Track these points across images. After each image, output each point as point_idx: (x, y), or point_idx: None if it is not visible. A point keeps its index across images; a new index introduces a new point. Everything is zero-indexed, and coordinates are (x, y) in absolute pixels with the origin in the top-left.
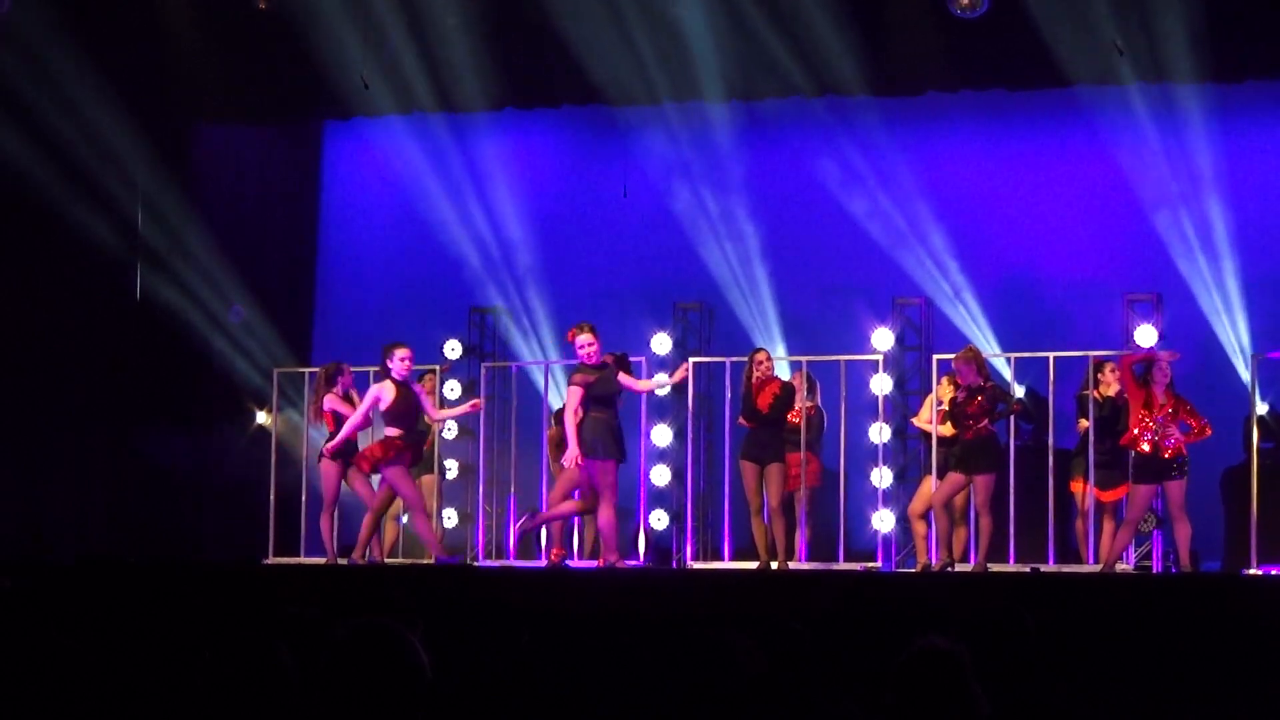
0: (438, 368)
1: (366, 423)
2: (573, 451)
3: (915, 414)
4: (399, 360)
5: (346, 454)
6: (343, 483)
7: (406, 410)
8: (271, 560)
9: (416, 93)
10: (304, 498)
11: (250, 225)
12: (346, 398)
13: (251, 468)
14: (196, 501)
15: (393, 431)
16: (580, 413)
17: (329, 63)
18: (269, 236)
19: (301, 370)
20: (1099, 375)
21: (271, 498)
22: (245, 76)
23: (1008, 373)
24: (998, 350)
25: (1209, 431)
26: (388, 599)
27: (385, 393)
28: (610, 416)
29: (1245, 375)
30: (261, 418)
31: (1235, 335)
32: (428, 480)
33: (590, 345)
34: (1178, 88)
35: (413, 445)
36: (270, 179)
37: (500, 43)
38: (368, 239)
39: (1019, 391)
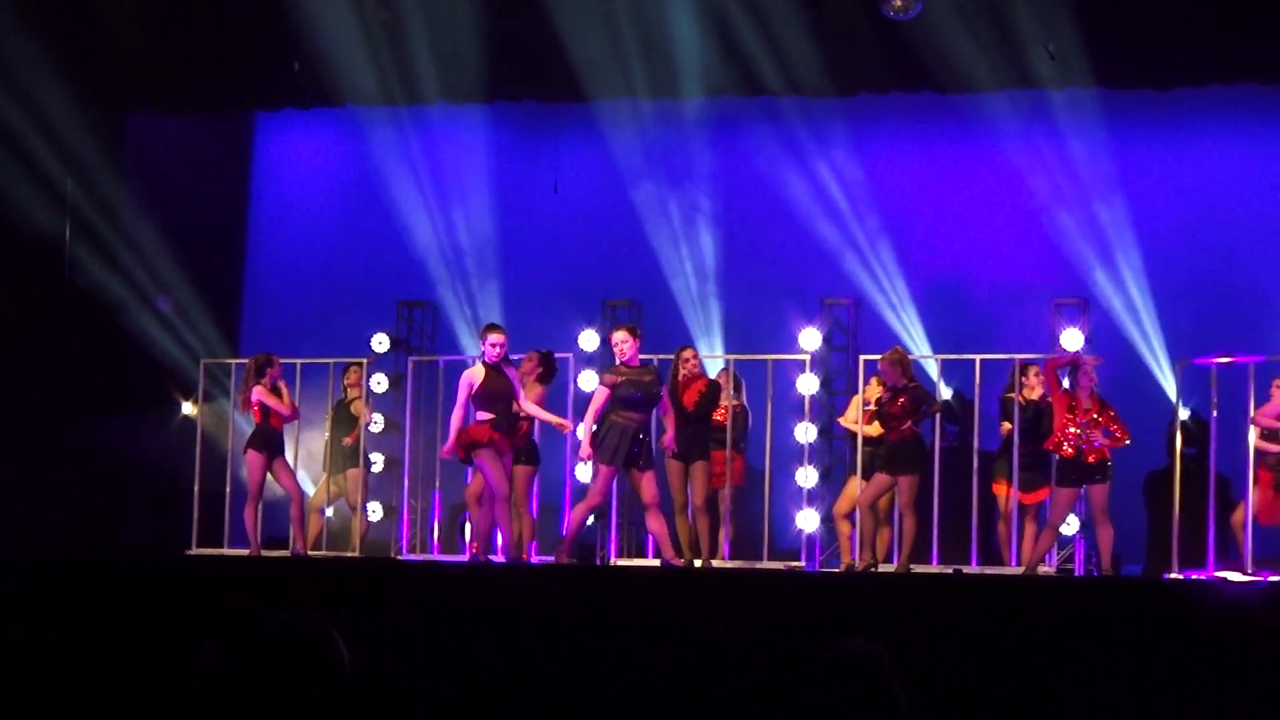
0: (364, 361)
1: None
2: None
3: (842, 414)
4: (489, 344)
5: (272, 446)
6: (268, 474)
7: (496, 394)
8: (195, 551)
9: (347, 86)
10: (228, 489)
11: (181, 215)
12: (275, 389)
13: (177, 458)
14: (121, 490)
15: (483, 416)
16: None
17: (260, 53)
18: (199, 226)
19: (229, 361)
20: (1023, 378)
21: (196, 489)
22: (178, 65)
23: (935, 374)
24: (925, 352)
25: (1128, 440)
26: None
27: (475, 377)
28: (629, 420)
29: (1169, 380)
30: (187, 408)
31: (1160, 340)
32: (353, 474)
33: (625, 343)
34: (1107, 94)
35: (505, 431)
36: (201, 169)
37: (432, 37)
38: (298, 231)
39: (946, 394)
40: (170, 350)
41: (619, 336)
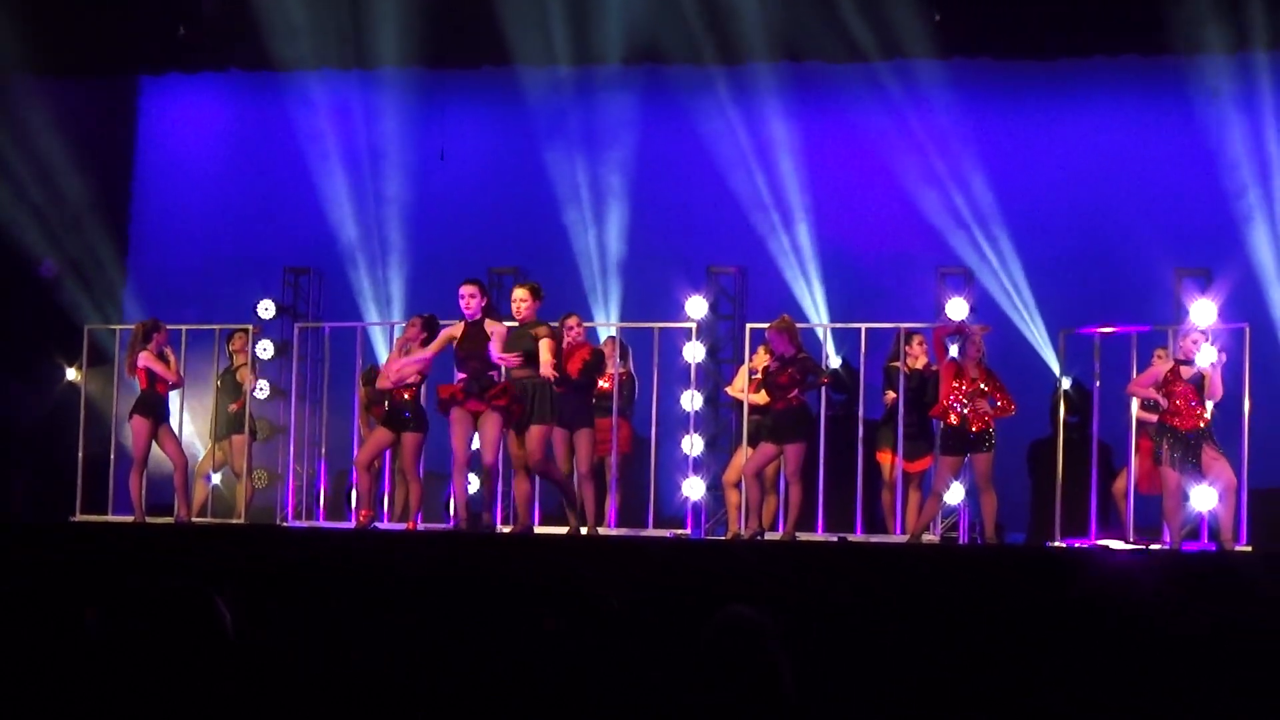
0: (249, 327)
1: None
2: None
3: (729, 382)
4: (460, 296)
5: (157, 413)
6: (152, 441)
7: (467, 353)
8: (79, 518)
9: (232, 50)
10: (113, 455)
11: (64, 179)
12: (161, 355)
13: (61, 424)
14: (2, 457)
15: (458, 375)
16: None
17: (143, 16)
18: (83, 191)
19: (113, 327)
20: (907, 347)
21: (80, 455)
22: (60, 29)
23: (830, 344)
24: (815, 321)
25: (1013, 410)
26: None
27: (454, 333)
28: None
29: (1051, 350)
30: (71, 374)
31: (1041, 311)
32: (238, 440)
33: (523, 301)
34: (991, 64)
35: (477, 393)
36: (85, 134)
37: (310, 4)
38: (183, 196)
39: (835, 363)
40: (54, 315)
41: (518, 294)
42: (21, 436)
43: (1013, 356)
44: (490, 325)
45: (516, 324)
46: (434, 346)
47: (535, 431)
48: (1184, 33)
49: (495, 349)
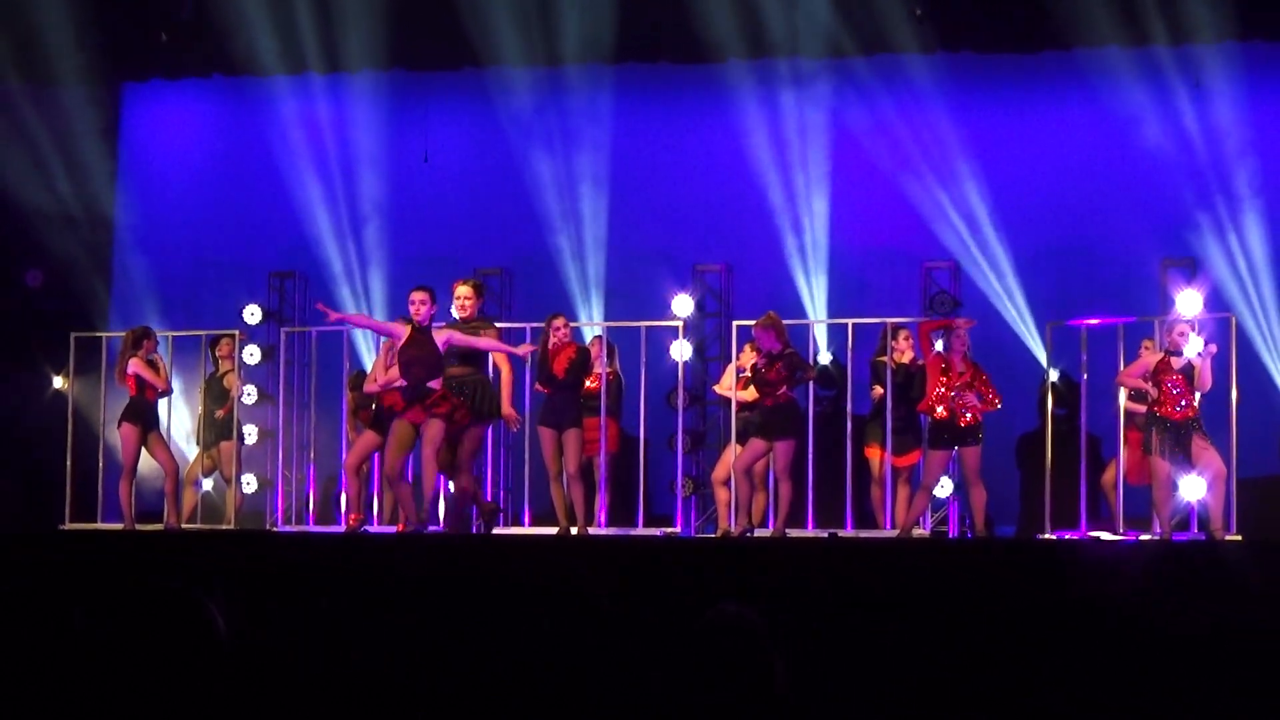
0: (235, 333)
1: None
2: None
3: (716, 380)
4: (411, 302)
5: (146, 420)
6: (142, 449)
7: (409, 359)
8: (68, 526)
9: (216, 56)
10: (101, 463)
11: (49, 186)
12: (151, 363)
13: (48, 433)
14: None
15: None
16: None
17: (127, 23)
18: (68, 198)
19: (99, 335)
20: (893, 342)
21: (68, 463)
22: (44, 36)
23: (822, 339)
24: (802, 317)
25: (999, 403)
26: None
27: (398, 334)
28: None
29: (1038, 343)
30: (58, 382)
31: (1029, 303)
32: (226, 447)
33: (466, 299)
34: (974, 58)
35: (418, 400)
36: (69, 140)
37: (292, 8)
38: (167, 203)
39: (826, 358)
40: (40, 323)
41: (461, 291)
42: (9, 445)
43: (1000, 349)
44: (439, 333)
45: (459, 324)
46: (381, 322)
47: (475, 433)
48: (1167, 23)
49: (475, 342)
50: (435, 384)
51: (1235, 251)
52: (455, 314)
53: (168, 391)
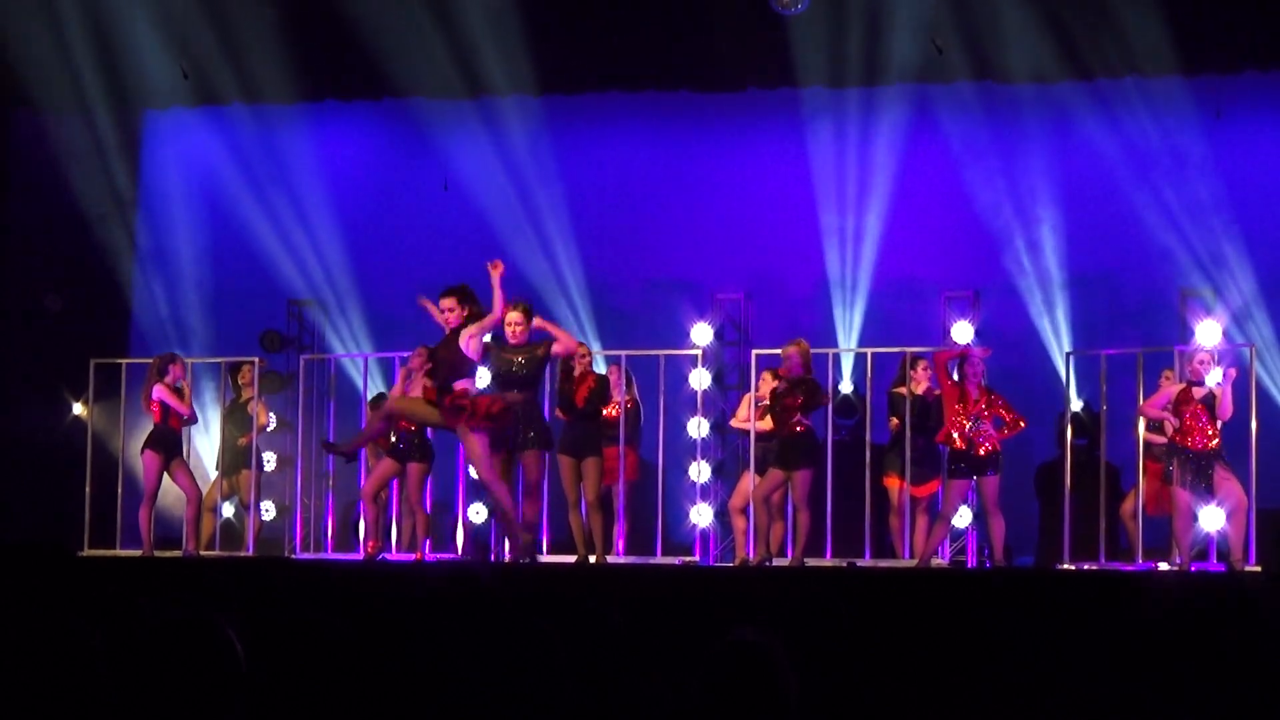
0: (256, 360)
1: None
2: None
3: (735, 408)
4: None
5: (169, 448)
6: (164, 474)
7: (436, 361)
8: (87, 552)
9: (233, 86)
10: (120, 489)
11: (70, 213)
12: (176, 389)
13: (68, 458)
14: (10, 490)
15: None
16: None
17: (148, 53)
18: (89, 225)
19: (119, 361)
20: (912, 371)
21: (87, 489)
22: (65, 64)
23: (847, 369)
24: (823, 346)
25: (1023, 424)
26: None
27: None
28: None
29: (1060, 372)
30: (77, 409)
31: (1051, 332)
32: (245, 474)
33: (516, 324)
34: (991, 87)
35: (460, 406)
36: (90, 168)
37: (311, 37)
38: (187, 230)
39: (847, 388)
40: (59, 351)
41: (511, 316)
42: (28, 472)
43: (1020, 379)
44: (465, 336)
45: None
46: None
47: (533, 460)
48: (1188, 52)
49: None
50: (463, 384)
51: (1255, 281)
52: (508, 340)
53: (193, 420)
